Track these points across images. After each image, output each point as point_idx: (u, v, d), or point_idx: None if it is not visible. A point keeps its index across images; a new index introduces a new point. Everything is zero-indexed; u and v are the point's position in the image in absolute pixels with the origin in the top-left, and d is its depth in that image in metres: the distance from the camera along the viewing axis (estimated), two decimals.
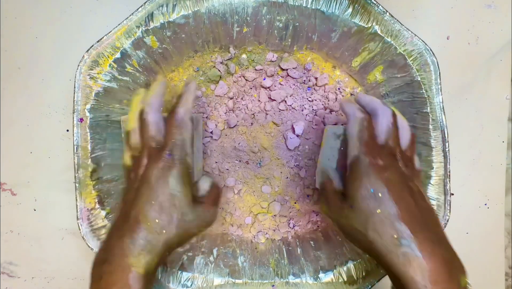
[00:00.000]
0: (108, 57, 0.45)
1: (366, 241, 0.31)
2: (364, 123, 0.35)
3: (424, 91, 0.46)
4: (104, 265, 0.33)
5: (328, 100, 0.51)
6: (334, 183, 0.38)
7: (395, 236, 0.29)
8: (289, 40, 0.49)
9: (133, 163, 0.38)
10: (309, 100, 0.51)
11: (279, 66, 0.51)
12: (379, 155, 0.33)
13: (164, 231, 0.34)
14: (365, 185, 0.31)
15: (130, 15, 0.44)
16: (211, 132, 0.50)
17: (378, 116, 0.36)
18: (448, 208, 0.47)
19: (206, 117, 0.50)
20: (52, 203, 0.52)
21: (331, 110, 0.51)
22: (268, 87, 0.50)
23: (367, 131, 0.35)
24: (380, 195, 0.30)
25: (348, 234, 0.33)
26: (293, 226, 0.52)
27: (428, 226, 0.30)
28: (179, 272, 0.47)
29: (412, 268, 0.28)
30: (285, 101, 0.50)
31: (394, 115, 0.36)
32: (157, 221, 0.33)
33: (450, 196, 0.47)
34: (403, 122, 0.37)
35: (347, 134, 0.36)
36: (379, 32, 0.45)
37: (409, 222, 0.29)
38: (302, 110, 0.51)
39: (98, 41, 0.44)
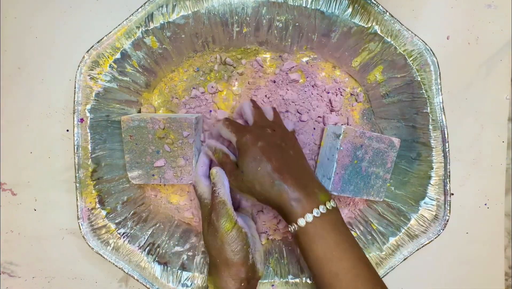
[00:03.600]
0: (108, 57, 0.45)
1: (257, 192, 0.40)
2: (225, 122, 0.45)
3: (424, 91, 0.46)
4: None
5: (328, 100, 0.51)
6: (230, 156, 0.45)
7: (271, 181, 0.39)
8: (289, 40, 0.49)
9: None
10: (309, 100, 0.51)
11: (280, 68, 0.51)
12: (249, 132, 0.43)
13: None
14: (247, 155, 0.41)
15: (130, 16, 0.44)
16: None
17: (240, 108, 0.48)
18: (448, 208, 0.47)
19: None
20: (52, 203, 0.52)
21: (331, 110, 0.51)
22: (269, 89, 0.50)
23: (231, 124, 0.45)
24: (258, 157, 0.40)
25: (247, 192, 0.42)
26: None
27: (292, 168, 0.41)
28: (179, 271, 0.48)
29: (282, 197, 0.39)
30: (284, 100, 0.50)
31: (252, 102, 0.48)
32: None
33: (450, 196, 0.47)
34: (262, 104, 0.50)
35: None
36: (379, 32, 0.45)
37: (278, 169, 0.40)
38: (302, 110, 0.50)
39: (98, 42, 0.44)
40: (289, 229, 0.40)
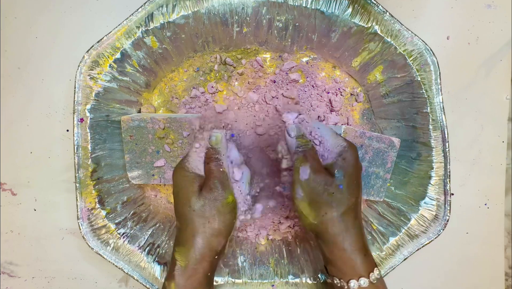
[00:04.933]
0: (108, 57, 0.45)
1: (329, 214, 0.36)
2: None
3: (424, 91, 0.46)
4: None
5: (328, 100, 0.51)
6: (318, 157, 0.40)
7: (354, 216, 0.37)
8: (289, 40, 0.49)
9: None
10: (309, 100, 0.51)
11: (280, 68, 0.51)
12: (354, 148, 0.40)
13: (188, 228, 0.38)
14: (354, 172, 0.38)
15: (130, 16, 0.44)
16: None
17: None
18: (448, 208, 0.47)
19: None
20: (52, 203, 0.52)
21: (331, 110, 0.51)
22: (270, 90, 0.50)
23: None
24: (356, 182, 0.37)
25: (309, 201, 0.37)
26: (293, 226, 0.52)
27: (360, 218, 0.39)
28: None
29: (354, 242, 0.36)
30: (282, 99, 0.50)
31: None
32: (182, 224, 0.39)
33: (450, 196, 0.47)
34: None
35: (333, 135, 0.41)
36: (379, 32, 0.45)
37: (359, 210, 0.38)
38: (302, 110, 0.50)
39: (98, 42, 0.44)
40: (344, 283, 0.37)
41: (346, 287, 0.36)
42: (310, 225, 0.38)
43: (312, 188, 0.37)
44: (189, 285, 0.37)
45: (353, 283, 0.36)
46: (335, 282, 0.37)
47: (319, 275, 0.48)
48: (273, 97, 0.50)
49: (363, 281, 0.36)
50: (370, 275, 0.36)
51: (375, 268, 0.37)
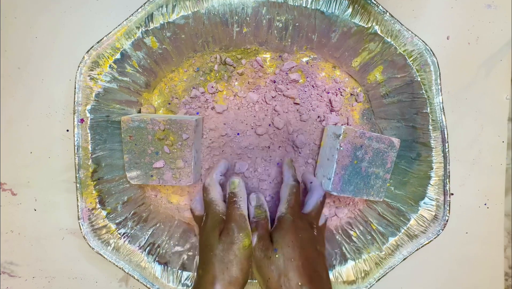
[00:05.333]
0: (108, 58, 0.45)
1: (274, 280, 0.37)
2: (294, 190, 0.44)
3: (424, 92, 0.46)
4: None
5: (328, 100, 0.51)
6: (268, 223, 0.43)
7: (299, 283, 0.36)
8: (289, 40, 0.48)
9: None
10: (309, 100, 0.51)
11: (280, 68, 0.51)
12: (299, 218, 0.41)
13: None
14: (286, 239, 0.39)
15: (130, 16, 0.44)
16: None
17: (313, 193, 0.45)
18: (448, 208, 0.47)
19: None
20: (52, 203, 0.52)
21: (331, 110, 0.51)
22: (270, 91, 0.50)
23: (294, 197, 0.43)
24: (292, 248, 0.38)
25: (261, 267, 0.39)
26: None
27: (319, 277, 0.38)
28: (179, 271, 0.48)
29: None
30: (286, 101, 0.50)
31: (324, 197, 0.45)
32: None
33: (450, 196, 0.47)
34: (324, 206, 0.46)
35: (280, 193, 0.45)
36: (379, 32, 0.45)
37: (306, 274, 0.37)
38: (302, 110, 0.50)
39: (98, 42, 0.44)
40: None
41: None
42: None
43: (256, 254, 0.39)
44: None
45: None
46: None
47: None
48: (273, 97, 0.50)
49: None
50: None
51: None
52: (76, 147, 0.45)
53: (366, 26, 0.45)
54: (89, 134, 0.45)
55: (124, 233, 0.47)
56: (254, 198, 0.45)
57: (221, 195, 0.44)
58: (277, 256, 0.38)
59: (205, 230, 0.41)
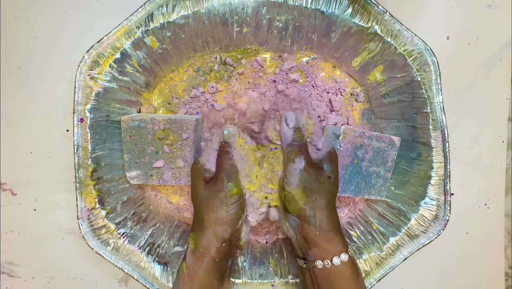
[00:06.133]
0: (108, 57, 0.45)
1: (310, 201, 0.40)
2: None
3: (424, 91, 0.46)
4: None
5: (328, 100, 0.51)
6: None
7: (331, 205, 0.41)
8: (289, 40, 0.48)
9: None
10: (309, 100, 0.51)
11: (280, 68, 0.51)
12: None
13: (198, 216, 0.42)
14: (335, 171, 0.43)
15: (130, 16, 0.44)
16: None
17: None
18: (448, 208, 0.47)
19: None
20: (52, 203, 0.52)
21: (331, 110, 0.51)
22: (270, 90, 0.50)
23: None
24: (338, 178, 0.43)
25: (300, 192, 0.41)
26: None
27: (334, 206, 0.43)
28: None
29: (328, 225, 0.40)
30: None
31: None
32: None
33: (450, 196, 0.47)
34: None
35: (334, 134, 0.46)
36: (379, 32, 0.45)
37: (334, 200, 0.42)
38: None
39: (98, 42, 0.44)
40: (328, 261, 0.39)
41: (329, 265, 0.39)
42: (299, 210, 0.41)
43: (306, 177, 0.41)
44: (197, 266, 0.40)
45: (336, 259, 0.39)
46: (316, 264, 0.40)
47: None
48: (272, 97, 0.50)
49: (344, 256, 0.39)
50: (349, 250, 0.40)
51: (349, 248, 0.41)
52: (75, 146, 0.45)
53: (366, 26, 0.45)
54: (89, 134, 0.45)
55: (123, 233, 0.47)
56: (292, 118, 0.44)
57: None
58: (330, 183, 0.41)
59: (192, 179, 0.43)
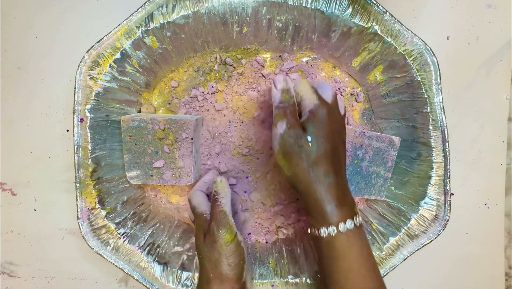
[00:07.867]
0: (108, 57, 0.45)
1: (301, 168, 0.38)
2: (307, 81, 0.42)
3: (424, 91, 0.46)
4: None
5: None
6: (295, 107, 0.41)
7: (327, 170, 0.38)
8: (289, 40, 0.48)
9: None
10: None
11: (280, 68, 0.51)
12: (331, 110, 0.40)
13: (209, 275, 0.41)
14: (323, 128, 0.39)
15: (130, 16, 0.44)
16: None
17: (324, 87, 0.42)
18: (448, 208, 0.47)
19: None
20: (52, 203, 0.52)
21: None
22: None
23: (313, 87, 0.41)
24: (329, 138, 0.38)
25: (285, 160, 0.39)
26: (294, 226, 0.52)
27: (343, 169, 0.40)
28: (179, 271, 0.48)
29: (327, 193, 0.37)
30: None
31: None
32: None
33: (450, 196, 0.47)
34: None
35: (316, 88, 0.42)
36: (379, 32, 0.45)
37: (337, 163, 0.39)
38: None
39: (98, 42, 0.44)
40: (316, 231, 0.38)
41: (317, 235, 0.38)
42: (287, 177, 0.39)
43: (285, 141, 0.38)
44: None
45: (322, 230, 0.37)
46: (310, 231, 0.39)
47: (319, 275, 0.48)
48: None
49: (332, 229, 0.37)
50: (339, 224, 0.37)
51: (348, 220, 0.37)
52: (75, 146, 0.45)
53: (366, 26, 0.45)
54: (89, 134, 0.45)
55: (123, 233, 0.47)
56: (280, 80, 0.42)
57: (204, 199, 0.45)
58: (310, 145, 0.38)
59: (195, 236, 0.43)
